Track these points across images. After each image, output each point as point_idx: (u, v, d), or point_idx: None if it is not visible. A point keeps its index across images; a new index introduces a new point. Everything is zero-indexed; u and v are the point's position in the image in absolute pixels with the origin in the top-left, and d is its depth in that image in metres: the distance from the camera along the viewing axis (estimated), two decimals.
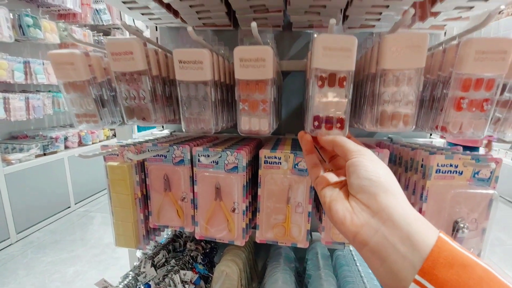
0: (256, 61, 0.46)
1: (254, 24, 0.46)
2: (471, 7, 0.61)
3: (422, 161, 0.55)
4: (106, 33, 3.83)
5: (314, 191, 0.63)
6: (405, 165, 0.62)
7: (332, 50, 0.42)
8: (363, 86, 0.53)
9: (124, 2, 0.68)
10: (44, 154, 2.78)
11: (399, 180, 0.74)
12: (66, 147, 3.06)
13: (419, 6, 0.69)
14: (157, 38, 0.96)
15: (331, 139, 0.40)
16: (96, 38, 3.37)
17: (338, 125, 0.47)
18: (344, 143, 0.38)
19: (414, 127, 0.47)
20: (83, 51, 0.55)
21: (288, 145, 0.71)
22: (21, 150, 2.62)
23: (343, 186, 0.37)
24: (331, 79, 0.44)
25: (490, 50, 0.41)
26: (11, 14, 2.38)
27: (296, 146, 0.69)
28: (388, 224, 0.29)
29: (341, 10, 0.68)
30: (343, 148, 0.37)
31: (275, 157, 0.63)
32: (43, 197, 2.82)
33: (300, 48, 0.90)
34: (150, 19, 0.82)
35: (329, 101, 0.45)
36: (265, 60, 0.46)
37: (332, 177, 0.40)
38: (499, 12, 8.16)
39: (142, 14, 0.77)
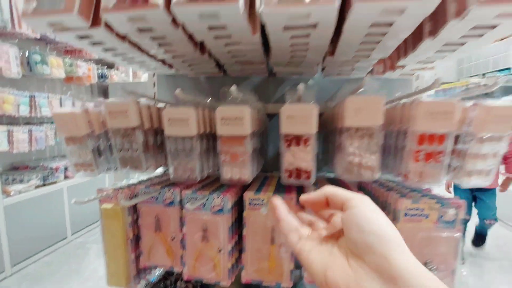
0: (235, 119, 0.52)
1: (233, 88, 0.53)
2: (433, 61, 0.68)
3: (392, 204, 0.59)
4: (110, 65, 4.01)
5: None
6: (381, 206, 0.66)
7: (295, 118, 0.48)
8: (335, 137, 0.58)
9: (123, 60, 0.76)
10: (44, 185, 2.81)
11: None
12: (66, 177, 3.09)
13: (388, 58, 0.76)
14: (154, 83, 1.04)
15: (322, 193, 0.33)
16: (100, 71, 3.54)
17: (305, 175, 0.53)
18: (336, 192, 0.32)
19: (379, 174, 0.52)
20: (84, 108, 0.61)
21: (273, 185, 0.75)
22: (21, 181, 2.66)
23: (334, 244, 0.31)
24: (297, 141, 0.50)
25: (438, 111, 0.47)
26: (20, 52, 2.53)
27: (280, 186, 0.74)
28: None
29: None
30: (336, 197, 0.32)
31: (259, 199, 0.67)
32: (40, 229, 2.81)
33: (284, 91, 0.97)
34: (147, 70, 0.90)
35: (297, 157, 0.51)
36: (243, 118, 0.52)
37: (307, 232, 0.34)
38: None
39: (140, 66, 0.85)
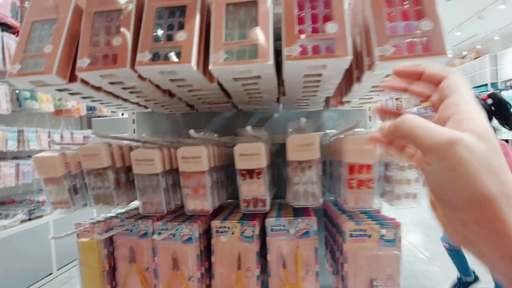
0: (193, 158, 0.60)
1: (192, 131, 0.61)
2: (371, 98, 0.78)
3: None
4: None
5: (260, 256, 0.72)
6: (335, 228, 0.73)
7: (246, 155, 0.56)
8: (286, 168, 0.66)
9: (101, 104, 0.84)
10: (30, 219, 2.78)
11: (327, 242, 0.83)
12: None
13: (339, 94, 0.86)
14: (133, 120, 1.12)
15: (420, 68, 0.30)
16: None
17: (261, 203, 0.60)
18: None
19: (321, 200, 0.59)
20: (62, 151, 0.68)
21: (240, 213, 0.82)
22: (7, 216, 2.63)
23: None
24: (250, 174, 0.57)
25: (362, 145, 0.55)
26: (10, 89, 2.61)
27: (246, 214, 0.80)
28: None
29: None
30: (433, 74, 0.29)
31: (225, 227, 0.73)
32: (25, 264, 2.74)
33: (253, 123, 1.06)
34: (125, 110, 0.98)
35: (252, 189, 0.58)
36: (201, 157, 0.60)
37: None
38: (463, 57, 9.01)
39: (118, 108, 0.94)
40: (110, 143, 0.66)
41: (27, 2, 2.80)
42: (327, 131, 0.95)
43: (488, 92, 1.60)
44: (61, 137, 3.11)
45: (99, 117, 3.09)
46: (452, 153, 0.24)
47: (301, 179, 0.59)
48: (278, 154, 0.96)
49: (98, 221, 0.83)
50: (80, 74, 0.61)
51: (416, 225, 4.09)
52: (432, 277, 2.82)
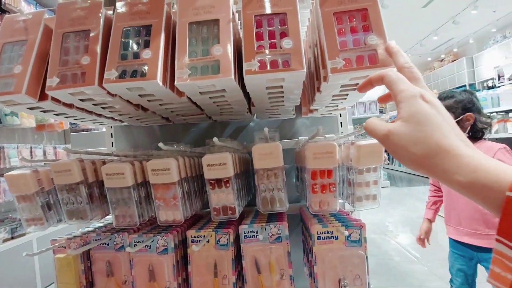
0: (163, 170, 0.62)
1: (161, 144, 0.63)
2: (336, 106, 0.83)
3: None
4: None
5: (236, 262, 0.74)
6: (307, 232, 0.76)
7: (214, 166, 0.58)
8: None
9: (75, 120, 0.85)
10: (12, 238, 2.70)
11: (304, 245, 0.85)
12: None
13: (308, 102, 0.90)
14: (111, 133, 1.14)
15: (380, 76, 0.41)
16: None
17: (231, 211, 0.62)
18: (391, 85, 0.38)
19: (287, 206, 0.62)
20: (34, 169, 0.69)
21: (215, 222, 0.83)
22: None
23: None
24: (218, 183, 0.60)
25: (322, 151, 0.59)
26: None
27: (221, 223, 0.82)
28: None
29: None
30: (390, 89, 0.38)
31: (201, 236, 0.74)
32: (9, 284, 2.64)
33: (230, 132, 1.09)
34: (101, 124, 1.00)
35: (221, 198, 0.61)
36: (170, 168, 0.62)
37: None
38: (441, 60, 9.34)
39: (93, 122, 0.95)
40: (81, 158, 0.68)
41: None
42: (300, 138, 0.99)
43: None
44: (44, 152, 3.05)
45: (82, 130, 3.06)
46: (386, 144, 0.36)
47: (267, 186, 0.61)
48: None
49: (75, 236, 0.83)
50: (50, 93, 0.62)
51: (404, 224, 4.17)
52: (420, 276, 2.87)
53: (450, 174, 0.31)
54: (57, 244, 0.78)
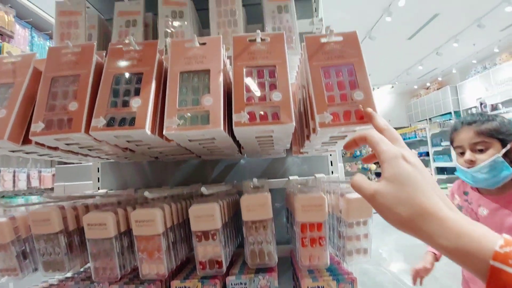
0: (147, 221, 0.59)
1: (147, 192, 0.61)
2: (326, 149, 0.83)
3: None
4: None
5: None
6: (298, 284, 0.73)
7: (201, 217, 0.57)
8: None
9: (60, 159, 0.83)
10: None
11: None
12: None
13: (296, 143, 0.90)
14: (98, 168, 1.10)
15: (363, 136, 0.43)
16: None
17: (217, 265, 0.59)
18: (374, 146, 0.40)
19: (276, 260, 0.60)
20: (11, 215, 0.65)
21: None
22: None
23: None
24: (205, 235, 0.58)
25: (311, 204, 0.58)
26: None
27: None
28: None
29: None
30: (374, 149, 0.40)
31: (185, 287, 0.70)
32: None
33: (220, 170, 1.07)
34: (86, 162, 0.97)
35: (207, 250, 0.58)
36: (154, 220, 0.59)
37: None
38: (427, 88, 9.73)
39: (79, 160, 0.92)
40: (63, 205, 0.65)
41: None
42: (290, 177, 0.98)
43: None
44: (28, 176, 2.95)
45: (66, 163, 2.99)
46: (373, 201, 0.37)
47: (255, 239, 0.59)
48: None
49: (51, 285, 0.77)
50: (33, 138, 0.60)
51: (398, 251, 4.10)
52: None
53: (435, 237, 0.32)
54: None
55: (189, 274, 0.75)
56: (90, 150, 0.73)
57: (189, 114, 0.58)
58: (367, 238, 0.60)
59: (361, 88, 0.56)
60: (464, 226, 0.31)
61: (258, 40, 0.63)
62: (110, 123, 0.59)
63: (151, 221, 0.59)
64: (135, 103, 0.60)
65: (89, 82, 0.63)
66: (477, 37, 5.80)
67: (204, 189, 0.61)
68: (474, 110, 7.20)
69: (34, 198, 2.99)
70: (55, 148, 0.70)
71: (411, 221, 0.33)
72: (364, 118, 0.53)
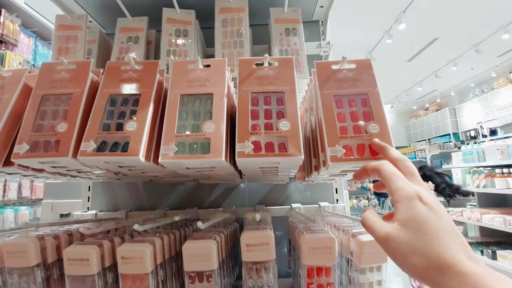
0: (135, 258, 0.53)
1: (136, 225, 0.55)
2: (333, 179, 0.78)
3: None
4: None
5: None
6: None
7: (195, 256, 0.51)
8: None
9: (47, 179, 0.77)
10: None
11: None
12: None
13: (300, 169, 0.85)
14: (89, 187, 1.04)
15: (376, 168, 0.40)
16: None
17: None
18: (387, 181, 0.37)
19: None
20: None
21: None
22: None
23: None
24: (199, 277, 0.51)
25: (319, 246, 0.52)
26: None
27: None
28: None
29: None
30: (387, 185, 0.37)
31: None
32: None
33: (218, 193, 1.01)
34: (76, 181, 0.91)
35: None
36: (143, 257, 0.53)
37: None
38: (426, 109, 9.82)
39: (68, 180, 0.86)
40: (42, 235, 0.59)
41: (3, 49, 2.78)
42: (293, 205, 0.93)
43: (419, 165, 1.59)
44: (19, 186, 2.86)
45: None
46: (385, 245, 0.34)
47: (256, 283, 0.53)
48: (242, 228, 0.91)
49: None
50: (15, 161, 0.55)
51: (398, 275, 3.96)
52: None
53: None
54: None
55: None
56: (79, 172, 0.67)
57: (188, 141, 0.53)
58: (381, 285, 0.54)
59: (376, 120, 0.52)
60: (487, 281, 0.27)
61: (266, 64, 0.59)
62: (100, 148, 0.54)
63: (139, 258, 0.53)
64: (129, 126, 0.55)
65: (82, 102, 0.58)
66: (475, 61, 5.90)
67: (200, 224, 0.55)
68: (473, 133, 7.22)
69: (23, 209, 2.89)
70: (41, 170, 0.65)
71: (428, 272, 0.30)
72: (377, 152, 0.49)
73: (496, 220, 2.86)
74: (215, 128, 0.54)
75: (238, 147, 0.52)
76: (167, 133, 0.54)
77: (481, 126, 6.25)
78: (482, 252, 3.00)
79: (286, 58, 0.60)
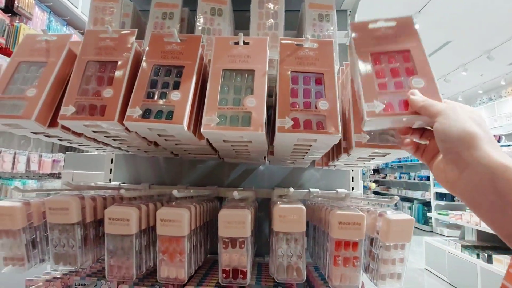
0: (173, 221, 0.56)
1: (175, 191, 0.58)
2: (356, 164, 0.80)
3: None
4: None
5: None
6: None
7: (231, 223, 0.53)
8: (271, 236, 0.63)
9: (79, 145, 0.80)
10: None
11: None
12: None
13: (325, 155, 0.88)
14: (111, 159, 1.07)
15: (416, 105, 0.45)
16: None
17: (242, 276, 0.56)
18: (426, 107, 0.43)
19: (305, 277, 0.56)
20: (24, 200, 0.61)
21: (214, 280, 0.76)
22: None
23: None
24: (233, 243, 0.54)
25: (349, 221, 0.55)
26: None
27: None
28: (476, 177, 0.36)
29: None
30: (426, 112, 0.43)
31: None
32: None
33: (238, 174, 1.04)
34: (104, 152, 0.94)
35: (233, 258, 0.55)
36: (181, 220, 0.56)
37: None
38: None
39: (97, 149, 0.89)
40: (82, 195, 0.61)
41: (17, 21, 2.77)
42: (311, 189, 0.95)
43: None
44: (28, 159, 2.90)
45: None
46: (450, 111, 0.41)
47: (285, 252, 0.56)
48: (261, 208, 0.93)
49: (54, 278, 0.73)
50: (62, 122, 0.57)
51: None
52: None
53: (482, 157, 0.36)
54: (33, 286, 0.69)
55: (202, 280, 0.71)
56: (114, 140, 0.70)
57: (229, 114, 0.55)
58: (403, 263, 0.57)
59: (421, 75, 0.48)
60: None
61: (306, 45, 0.61)
62: (145, 115, 0.56)
63: (178, 221, 0.56)
64: (174, 96, 0.57)
65: (127, 70, 0.60)
66: (486, 68, 5.87)
67: (236, 194, 0.58)
68: None
69: (31, 182, 2.93)
70: (79, 134, 0.67)
71: (476, 133, 0.38)
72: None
73: None
74: (257, 103, 0.56)
75: (278, 123, 0.54)
76: (210, 105, 0.56)
77: None
78: (478, 255, 3.06)
79: (326, 41, 0.62)
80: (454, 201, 5.51)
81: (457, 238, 3.80)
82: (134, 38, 0.64)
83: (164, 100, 0.57)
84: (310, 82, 0.58)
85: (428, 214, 5.60)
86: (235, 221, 0.55)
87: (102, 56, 0.63)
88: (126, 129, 0.59)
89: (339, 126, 0.53)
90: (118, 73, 0.60)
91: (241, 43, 0.62)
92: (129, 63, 0.61)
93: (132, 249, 0.58)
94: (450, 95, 7.93)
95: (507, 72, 6.19)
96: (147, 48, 0.63)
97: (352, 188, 1.00)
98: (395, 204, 0.60)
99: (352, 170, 1.01)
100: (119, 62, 0.61)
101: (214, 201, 0.90)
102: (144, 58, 0.62)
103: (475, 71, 6.05)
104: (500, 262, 2.81)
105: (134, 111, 0.56)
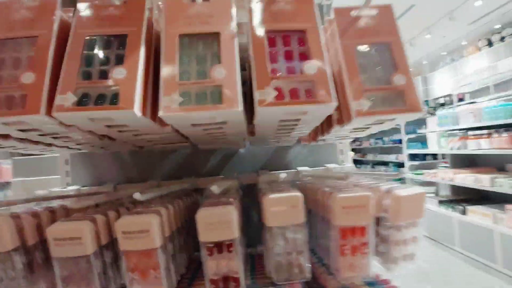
0: (140, 232, 0.45)
1: (137, 194, 0.46)
2: (347, 136, 0.72)
3: None
4: None
5: None
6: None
7: (214, 224, 0.43)
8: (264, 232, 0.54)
9: (15, 149, 0.64)
10: None
11: None
12: None
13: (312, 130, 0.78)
14: (67, 160, 0.91)
15: None
16: None
17: (234, 284, 0.46)
18: None
19: (308, 274, 0.48)
20: None
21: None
22: None
23: None
24: (219, 248, 0.44)
25: (353, 204, 0.46)
26: None
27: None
28: None
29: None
30: None
31: None
32: None
33: (216, 161, 0.93)
34: (52, 153, 0.78)
35: (221, 265, 0.45)
36: (149, 230, 0.45)
37: None
38: None
39: (41, 151, 0.74)
40: (18, 213, 0.48)
41: None
42: (299, 168, 0.87)
43: None
44: None
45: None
46: None
47: (283, 249, 0.47)
48: (246, 194, 0.84)
49: None
50: None
51: (419, 280, 3.74)
52: None
53: None
54: None
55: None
56: (54, 138, 0.55)
57: (194, 90, 0.43)
58: (415, 242, 0.50)
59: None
60: None
61: None
62: (82, 101, 0.42)
63: (145, 231, 0.44)
64: (118, 73, 0.44)
65: (51, 46, 0.45)
66: (448, 29, 6.02)
67: (215, 188, 0.47)
68: (442, 100, 7.56)
69: None
70: (6, 136, 0.52)
71: None
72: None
73: (468, 179, 3.06)
74: (227, 73, 0.44)
75: (257, 95, 0.43)
76: (167, 82, 0.44)
77: (454, 93, 6.55)
78: (453, 208, 3.24)
79: None
80: (425, 160, 5.78)
81: (433, 195, 3.99)
82: (57, 4, 0.49)
83: (105, 80, 0.43)
84: (291, 42, 0.47)
85: (404, 175, 5.87)
86: (218, 222, 0.45)
87: (18, 31, 0.47)
88: (62, 122, 0.46)
89: (332, 92, 0.43)
90: (39, 52, 0.45)
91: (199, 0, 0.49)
92: (53, 36, 0.46)
93: (92, 271, 0.46)
94: (415, 59, 8.15)
95: (467, 32, 6.40)
96: (76, 16, 0.48)
97: (342, 162, 0.93)
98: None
99: (341, 143, 0.93)
100: (40, 37, 0.46)
101: (193, 195, 0.79)
102: (72, 29, 0.47)
103: (438, 33, 6.19)
104: (474, 213, 3.00)
105: (66, 98, 0.42)
